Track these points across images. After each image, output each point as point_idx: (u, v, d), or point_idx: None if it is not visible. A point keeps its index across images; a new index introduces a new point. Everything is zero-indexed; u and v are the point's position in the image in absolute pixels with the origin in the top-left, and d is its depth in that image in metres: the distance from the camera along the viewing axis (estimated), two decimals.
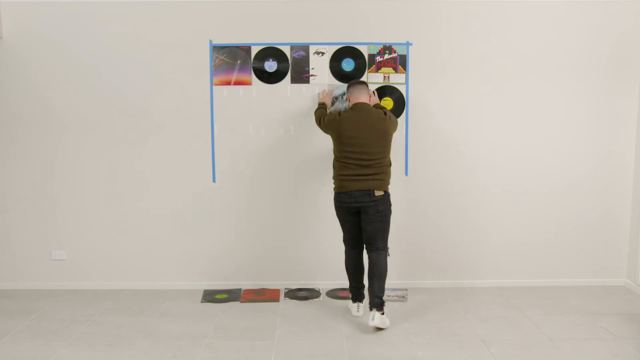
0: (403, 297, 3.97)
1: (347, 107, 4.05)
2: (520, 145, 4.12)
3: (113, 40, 3.99)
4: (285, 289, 4.16)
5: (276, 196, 4.14)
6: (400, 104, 4.06)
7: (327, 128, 3.56)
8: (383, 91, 4.05)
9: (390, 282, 4.20)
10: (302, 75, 4.03)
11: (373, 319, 3.36)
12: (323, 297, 4.02)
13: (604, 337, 3.32)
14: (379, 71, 4.03)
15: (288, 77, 4.02)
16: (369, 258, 3.51)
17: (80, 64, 4.01)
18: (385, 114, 3.49)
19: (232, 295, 4.02)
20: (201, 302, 3.90)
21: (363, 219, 3.47)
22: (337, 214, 3.60)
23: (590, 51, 4.04)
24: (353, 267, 3.64)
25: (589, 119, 4.12)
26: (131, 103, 4.04)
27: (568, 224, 4.21)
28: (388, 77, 4.04)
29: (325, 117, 3.59)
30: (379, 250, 3.48)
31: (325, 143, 3.95)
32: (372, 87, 4.03)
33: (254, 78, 4.02)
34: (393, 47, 4.01)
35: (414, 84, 4.04)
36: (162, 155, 4.09)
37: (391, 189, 4.09)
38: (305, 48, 4.01)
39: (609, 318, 3.62)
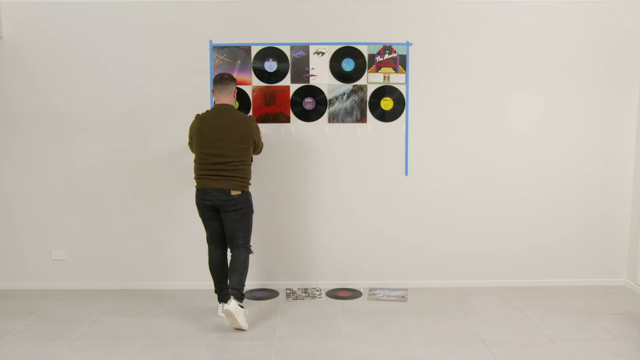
0: (403, 297, 3.97)
1: (347, 107, 4.06)
2: (521, 146, 4.12)
3: (113, 40, 3.99)
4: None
5: (276, 196, 4.14)
6: (400, 104, 4.06)
7: (190, 133, 3.55)
8: (383, 91, 4.05)
9: (391, 282, 4.22)
10: (302, 75, 4.03)
11: (229, 304, 3.30)
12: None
13: (604, 337, 3.32)
14: (379, 71, 4.03)
15: (288, 77, 4.03)
16: (231, 256, 3.55)
17: (80, 64, 4.01)
18: (248, 117, 3.52)
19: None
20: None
21: (223, 217, 3.50)
22: (198, 212, 3.60)
23: (592, 52, 4.04)
24: (215, 268, 3.62)
25: (589, 120, 4.12)
26: (131, 103, 4.04)
27: (568, 224, 4.21)
28: (388, 77, 4.04)
29: (189, 135, 3.60)
30: (239, 247, 3.52)
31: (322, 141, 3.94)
32: (372, 87, 4.04)
33: (254, 78, 4.03)
34: (393, 47, 4.02)
35: (414, 84, 4.05)
36: (162, 155, 4.09)
37: (391, 188, 4.11)
38: (305, 48, 4.01)
39: (609, 318, 3.62)
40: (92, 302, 3.92)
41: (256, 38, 4.00)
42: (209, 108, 4.04)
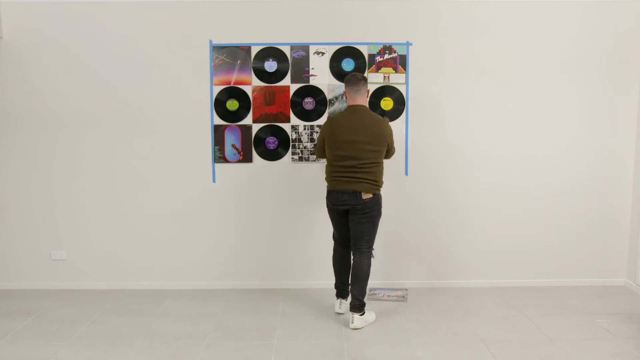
0: (403, 297, 3.97)
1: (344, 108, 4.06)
2: (520, 146, 4.12)
3: (113, 40, 3.99)
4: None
5: (277, 196, 4.14)
6: (400, 104, 4.06)
7: (321, 135, 3.54)
8: (383, 91, 4.05)
9: (390, 282, 4.22)
10: (302, 75, 4.03)
11: (353, 322, 3.41)
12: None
13: (604, 337, 3.32)
14: (379, 71, 4.03)
15: (288, 77, 4.03)
16: (353, 260, 3.52)
17: (79, 64, 4.01)
18: (382, 118, 3.47)
19: None
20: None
21: (351, 219, 3.47)
22: (328, 211, 3.61)
23: (591, 52, 4.04)
24: (339, 264, 3.66)
25: (589, 120, 4.12)
26: (131, 103, 4.04)
27: (568, 224, 4.21)
28: (388, 77, 4.04)
29: (318, 137, 3.60)
30: (362, 252, 3.48)
31: None
32: (372, 87, 4.04)
33: (254, 78, 4.03)
34: (393, 47, 4.02)
35: (414, 84, 4.05)
36: (162, 155, 4.09)
37: (391, 188, 4.11)
38: (305, 48, 4.01)
39: (609, 318, 3.62)
40: (92, 302, 3.92)
41: (256, 38, 4.00)
42: (209, 108, 4.05)
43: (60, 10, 3.95)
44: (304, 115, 4.06)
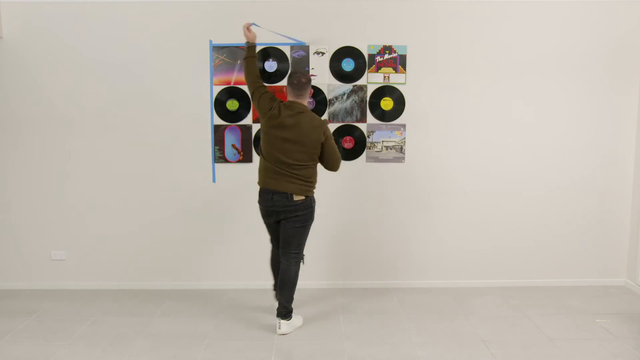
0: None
1: (347, 107, 4.06)
2: (520, 146, 4.13)
3: (113, 40, 3.99)
4: None
5: None
6: (400, 104, 4.06)
7: (261, 113, 3.31)
8: (383, 91, 4.05)
9: (391, 281, 4.22)
10: None
11: (279, 328, 3.36)
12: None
13: (604, 337, 3.32)
14: (379, 71, 4.03)
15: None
16: (281, 264, 3.39)
17: (80, 64, 4.01)
18: (321, 122, 3.29)
19: None
20: None
21: (282, 222, 3.35)
22: (260, 211, 3.47)
23: (591, 52, 4.04)
24: (276, 267, 3.59)
25: (589, 120, 4.12)
26: (131, 103, 4.04)
27: (568, 224, 4.21)
28: (388, 77, 4.04)
29: (262, 100, 3.32)
30: (291, 257, 3.36)
31: None
32: (372, 87, 4.04)
33: None
34: (393, 47, 4.01)
35: (414, 84, 4.04)
36: (162, 155, 4.09)
37: (391, 188, 4.11)
38: (305, 48, 4.01)
39: (609, 318, 3.62)
40: (92, 302, 3.92)
41: (256, 38, 3.99)
42: (209, 108, 4.05)
43: (60, 9, 3.95)
44: None
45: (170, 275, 4.21)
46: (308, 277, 4.22)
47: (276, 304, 3.45)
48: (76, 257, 4.20)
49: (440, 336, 3.34)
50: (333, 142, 3.32)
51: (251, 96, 3.45)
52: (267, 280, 4.22)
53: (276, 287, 3.55)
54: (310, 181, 3.31)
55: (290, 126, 3.22)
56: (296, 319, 3.48)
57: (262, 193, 3.35)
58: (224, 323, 3.54)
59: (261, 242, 4.18)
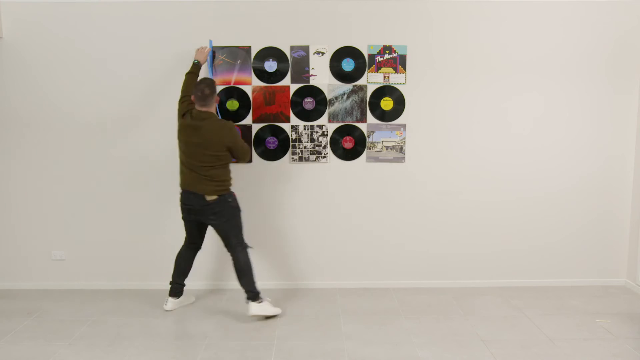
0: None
1: (347, 107, 4.06)
2: (520, 145, 4.13)
3: (113, 40, 3.99)
4: None
5: (277, 196, 4.14)
6: (400, 104, 4.06)
7: (178, 119, 3.62)
8: (383, 91, 4.05)
9: (391, 281, 4.22)
10: (302, 75, 4.03)
11: (250, 310, 3.53)
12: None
13: (604, 337, 3.32)
14: (379, 71, 4.03)
15: (288, 77, 4.02)
16: (231, 259, 3.61)
17: (80, 64, 4.01)
18: (224, 124, 3.50)
19: None
20: None
21: (207, 222, 3.59)
22: (181, 211, 3.69)
23: (592, 52, 4.04)
24: (178, 262, 3.78)
25: (589, 120, 4.12)
26: (130, 103, 4.04)
27: (568, 224, 4.21)
28: (388, 77, 4.04)
29: (180, 108, 3.63)
30: (234, 248, 3.57)
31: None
32: (372, 87, 4.04)
33: (254, 78, 4.03)
34: (393, 47, 4.01)
35: (414, 84, 4.04)
36: (162, 154, 4.09)
37: (392, 188, 4.11)
38: (305, 48, 4.01)
39: (609, 318, 3.62)
40: (92, 302, 3.92)
41: (256, 38, 4.00)
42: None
43: (60, 9, 3.95)
44: (304, 115, 4.06)
45: (170, 276, 4.20)
46: (308, 277, 4.23)
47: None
48: (76, 257, 4.20)
49: (440, 336, 3.34)
50: (238, 140, 3.53)
51: (178, 101, 3.71)
52: (268, 281, 4.23)
53: (174, 277, 3.77)
54: (220, 180, 3.50)
55: (197, 131, 3.44)
56: (268, 305, 3.59)
57: (181, 193, 3.60)
58: (224, 323, 3.54)
59: (261, 242, 4.18)
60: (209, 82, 3.49)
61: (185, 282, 3.82)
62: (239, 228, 3.61)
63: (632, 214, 4.20)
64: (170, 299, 3.77)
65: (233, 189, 3.64)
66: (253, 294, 3.55)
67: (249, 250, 3.64)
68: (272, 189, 4.13)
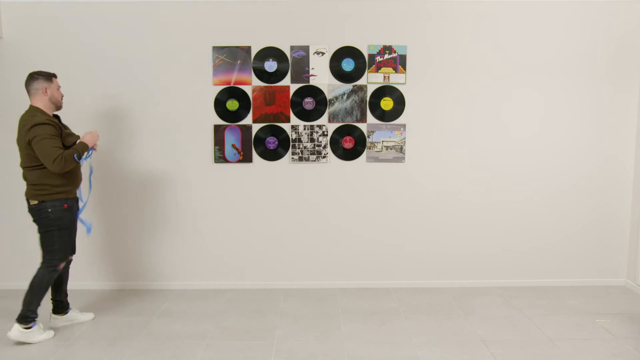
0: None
1: (347, 107, 4.06)
2: (520, 146, 4.13)
3: (113, 40, 3.99)
4: None
5: (277, 196, 4.14)
6: (400, 104, 4.06)
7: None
8: (383, 91, 4.05)
9: (391, 281, 4.22)
10: (302, 75, 4.03)
11: (11, 331, 3.21)
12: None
13: (604, 337, 3.32)
14: (379, 71, 4.03)
15: (288, 77, 4.02)
16: None
17: (80, 64, 4.01)
18: (27, 120, 3.11)
19: None
20: None
21: None
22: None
23: (592, 52, 4.04)
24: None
25: (589, 121, 4.12)
26: (130, 103, 4.04)
27: (568, 224, 4.21)
28: (388, 77, 4.04)
29: (57, 142, 3.14)
30: (42, 262, 3.26)
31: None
32: (372, 87, 4.04)
33: (254, 78, 4.03)
34: (393, 47, 4.01)
35: (414, 84, 4.04)
36: (162, 154, 4.09)
37: (392, 188, 4.11)
38: (305, 48, 4.01)
39: (609, 318, 3.62)
40: (93, 302, 3.92)
41: (256, 38, 4.00)
42: (209, 108, 4.05)
43: (60, 9, 3.95)
44: (304, 115, 4.06)
45: (170, 275, 4.21)
46: (308, 277, 4.22)
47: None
48: (76, 257, 4.18)
49: (440, 336, 3.34)
50: (42, 140, 3.05)
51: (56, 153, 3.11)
52: (267, 281, 4.23)
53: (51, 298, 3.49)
54: (35, 184, 3.16)
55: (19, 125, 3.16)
56: (38, 333, 3.24)
57: None
58: (224, 323, 3.54)
59: (262, 242, 4.18)
60: (34, 73, 3.17)
61: (62, 298, 3.51)
62: (51, 244, 3.21)
63: (632, 214, 4.20)
64: (53, 316, 3.49)
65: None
66: (25, 317, 3.19)
67: (54, 274, 3.24)
68: (272, 189, 4.13)
